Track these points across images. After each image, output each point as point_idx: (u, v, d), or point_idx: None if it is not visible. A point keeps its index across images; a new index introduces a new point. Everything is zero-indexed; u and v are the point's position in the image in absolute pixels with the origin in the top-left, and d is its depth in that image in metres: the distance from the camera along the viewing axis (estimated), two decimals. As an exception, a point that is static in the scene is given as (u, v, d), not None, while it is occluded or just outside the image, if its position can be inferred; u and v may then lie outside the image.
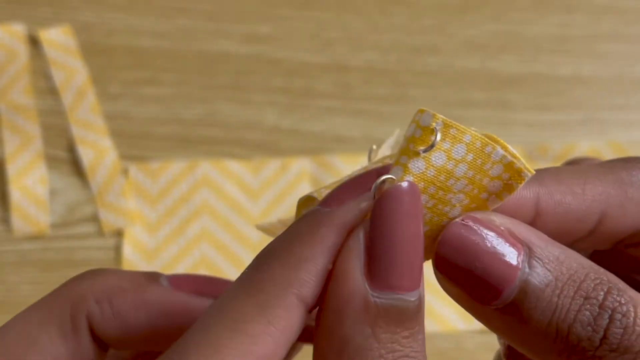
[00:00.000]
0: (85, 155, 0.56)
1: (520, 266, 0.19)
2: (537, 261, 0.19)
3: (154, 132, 0.58)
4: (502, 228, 0.19)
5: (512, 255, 0.19)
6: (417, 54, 0.62)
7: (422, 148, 0.19)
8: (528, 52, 0.62)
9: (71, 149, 0.57)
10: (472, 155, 0.19)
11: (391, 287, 0.18)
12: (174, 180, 0.56)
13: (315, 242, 0.18)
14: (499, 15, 0.64)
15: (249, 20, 0.62)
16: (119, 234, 0.54)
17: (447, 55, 0.62)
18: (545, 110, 0.60)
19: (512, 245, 0.19)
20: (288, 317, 0.18)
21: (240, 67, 0.61)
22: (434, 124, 0.19)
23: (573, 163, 0.25)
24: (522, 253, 0.19)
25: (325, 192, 0.21)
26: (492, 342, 0.56)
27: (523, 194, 0.21)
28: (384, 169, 0.20)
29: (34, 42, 0.60)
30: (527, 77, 0.61)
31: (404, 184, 0.18)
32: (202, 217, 0.55)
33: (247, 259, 0.54)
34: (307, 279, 0.18)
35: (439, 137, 0.19)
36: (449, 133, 0.19)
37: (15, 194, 0.54)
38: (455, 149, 0.19)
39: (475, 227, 0.19)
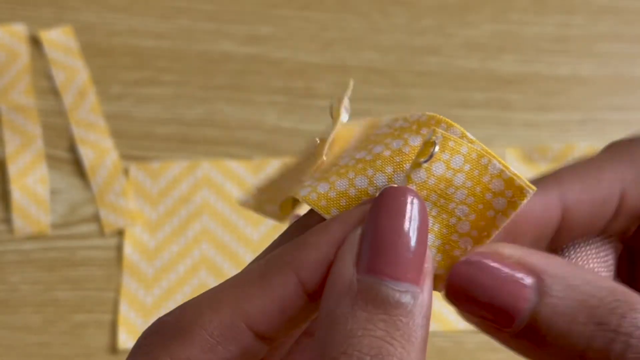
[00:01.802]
0: (86, 155, 0.56)
1: (528, 297, 0.19)
2: (547, 290, 0.19)
3: (155, 132, 0.58)
4: (511, 260, 0.20)
5: (519, 287, 0.20)
6: (417, 54, 0.62)
7: (423, 159, 0.21)
8: (528, 52, 0.63)
9: (72, 149, 0.57)
10: (469, 165, 0.21)
11: (373, 271, 0.19)
12: (175, 180, 0.56)
13: (321, 233, 0.20)
14: (499, 16, 0.64)
15: (249, 20, 0.63)
16: (119, 233, 0.54)
17: (447, 55, 0.62)
18: (544, 110, 0.60)
19: (520, 277, 0.20)
20: (283, 289, 0.20)
21: (241, 68, 0.61)
22: (434, 137, 0.21)
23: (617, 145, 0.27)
24: (531, 284, 0.20)
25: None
26: (492, 342, 0.56)
27: (547, 200, 0.22)
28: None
29: (35, 43, 0.60)
30: (526, 77, 0.61)
31: (393, 185, 0.20)
32: (203, 217, 0.55)
33: (248, 258, 0.54)
34: (307, 261, 0.20)
35: (437, 149, 0.21)
36: (448, 145, 0.21)
37: (16, 193, 0.55)
38: (454, 160, 0.21)
39: (481, 264, 0.20)
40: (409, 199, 0.20)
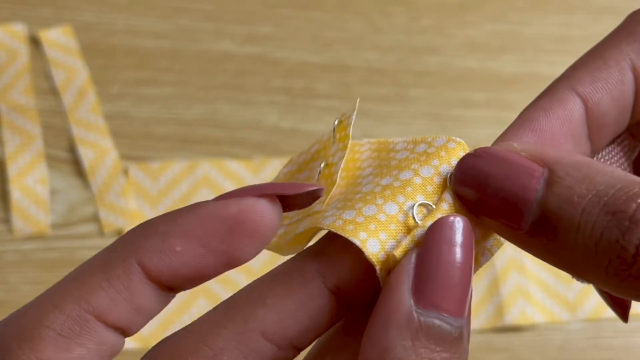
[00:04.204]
0: (86, 155, 0.56)
1: (536, 187, 0.18)
2: (557, 180, 0.18)
3: (154, 132, 0.58)
4: (522, 153, 0.19)
5: (527, 177, 0.19)
6: (417, 54, 0.62)
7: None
8: (528, 52, 0.63)
9: (72, 149, 0.57)
10: None
11: (434, 307, 0.18)
12: (174, 180, 0.56)
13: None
14: (499, 15, 0.64)
15: (249, 20, 0.62)
16: (119, 233, 0.54)
17: (447, 55, 0.62)
18: (545, 110, 0.60)
19: (528, 167, 0.19)
20: (128, 280, 0.19)
21: (241, 67, 0.61)
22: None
23: None
24: (540, 174, 0.19)
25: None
26: (492, 342, 0.56)
27: (563, 99, 0.21)
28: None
29: (34, 42, 0.60)
30: (527, 77, 0.61)
31: (458, 217, 0.19)
32: (203, 217, 0.55)
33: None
34: (146, 248, 0.19)
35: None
36: None
37: (16, 193, 0.55)
38: None
39: (488, 156, 0.19)
40: (465, 230, 0.19)
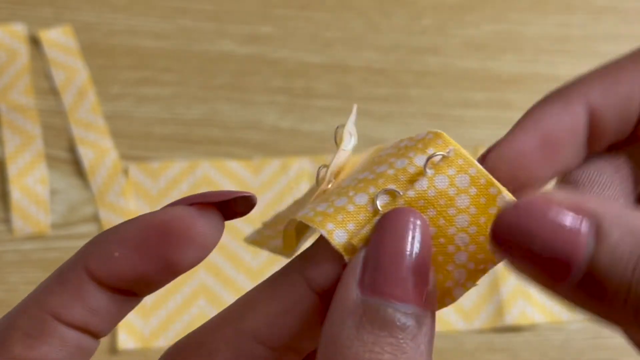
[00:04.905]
0: (86, 155, 0.56)
1: (585, 244, 0.17)
2: (606, 235, 0.17)
3: (154, 132, 0.58)
4: (564, 204, 0.18)
5: (575, 234, 0.17)
6: (417, 54, 0.62)
7: (429, 169, 0.20)
8: (528, 52, 0.63)
9: (72, 149, 0.57)
10: (475, 189, 0.20)
11: (379, 294, 0.19)
12: (174, 180, 0.56)
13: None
14: (499, 16, 0.64)
15: (249, 20, 0.62)
16: (119, 233, 0.54)
17: (447, 55, 0.62)
18: (545, 110, 0.60)
19: (575, 222, 0.18)
20: (78, 283, 0.21)
21: (241, 67, 0.61)
22: (446, 150, 0.20)
23: None
24: (588, 229, 0.17)
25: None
26: (492, 342, 0.56)
27: (571, 107, 0.22)
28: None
29: (34, 42, 0.60)
30: (527, 77, 0.61)
31: (405, 208, 0.20)
32: (203, 217, 0.55)
33: (247, 259, 0.54)
34: (93, 255, 0.22)
35: (437, 158, 0.20)
36: (456, 161, 0.20)
37: (16, 193, 0.55)
38: (459, 178, 0.20)
39: (531, 210, 0.18)
40: (412, 220, 0.19)
